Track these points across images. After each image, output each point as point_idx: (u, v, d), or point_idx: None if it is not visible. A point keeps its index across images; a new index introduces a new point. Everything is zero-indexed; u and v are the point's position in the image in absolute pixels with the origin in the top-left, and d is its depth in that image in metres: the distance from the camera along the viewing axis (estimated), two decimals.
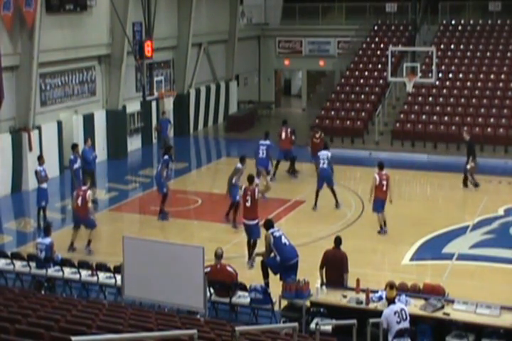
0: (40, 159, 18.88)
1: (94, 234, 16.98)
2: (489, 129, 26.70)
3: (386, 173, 17.83)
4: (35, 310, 10.38)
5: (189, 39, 30.15)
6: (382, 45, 32.11)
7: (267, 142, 21.90)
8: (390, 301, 10.43)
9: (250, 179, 16.60)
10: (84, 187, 17.02)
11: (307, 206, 20.04)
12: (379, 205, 17.76)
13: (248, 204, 16.10)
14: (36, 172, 18.69)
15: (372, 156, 26.21)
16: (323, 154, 20.08)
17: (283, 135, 23.20)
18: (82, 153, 20.23)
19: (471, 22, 32.98)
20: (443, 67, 29.81)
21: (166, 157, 19.52)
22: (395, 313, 10.18)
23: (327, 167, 19.79)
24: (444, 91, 28.95)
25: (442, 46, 31.19)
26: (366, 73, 31.24)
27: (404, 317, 10.22)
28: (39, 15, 21.64)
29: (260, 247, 14.42)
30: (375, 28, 34.07)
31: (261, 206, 16.67)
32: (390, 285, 10.51)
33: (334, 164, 20.13)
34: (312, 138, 23.66)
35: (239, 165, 18.82)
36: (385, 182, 17.63)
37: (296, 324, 8.77)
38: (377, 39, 33.30)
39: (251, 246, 15.93)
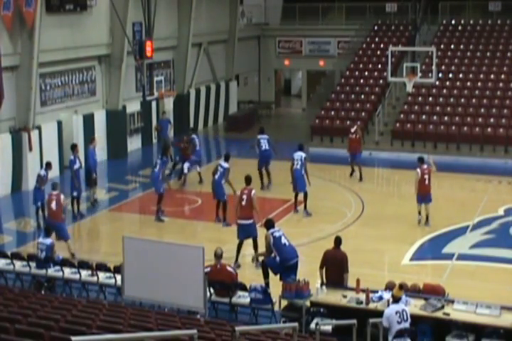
0: (48, 165, 18.62)
1: (71, 246, 16.15)
2: (489, 129, 26.68)
3: (428, 167, 18.39)
4: (35, 310, 10.37)
5: (189, 39, 30.17)
6: (382, 45, 32.07)
7: (265, 136, 22.37)
8: (394, 300, 10.41)
9: (248, 179, 16.43)
10: (55, 192, 16.34)
11: (307, 206, 19.99)
12: (422, 199, 18.34)
13: (244, 203, 15.82)
14: (39, 176, 18.44)
15: (373, 156, 26.21)
16: (298, 155, 19.62)
17: None
18: (88, 153, 20.29)
19: (471, 22, 32.97)
20: (443, 67, 29.79)
21: (163, 158, 19.60)
22: (396, 313, 10.19)
23: (300, 168, 19.38)
24: (444, 91, 28.94)
25: (442, 46, 31.17)
26: (366, 73, 31.21)
27: (405, 317, 10.22)
28: (39, 15, 21.65)
29: (260, 247, 14.41)
30: (375, 28, 34.04)
31: (261, 206, 16.64)
32: (400, 286, 10.61)
33: (336, 164, 20.08)
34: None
35: (226, 164, 18.71)
36: (427, 177, 18.17)
37: (296, 324, 8.79)
38: (377, 39, 33.27)
39: (254, 246, 15.60)
